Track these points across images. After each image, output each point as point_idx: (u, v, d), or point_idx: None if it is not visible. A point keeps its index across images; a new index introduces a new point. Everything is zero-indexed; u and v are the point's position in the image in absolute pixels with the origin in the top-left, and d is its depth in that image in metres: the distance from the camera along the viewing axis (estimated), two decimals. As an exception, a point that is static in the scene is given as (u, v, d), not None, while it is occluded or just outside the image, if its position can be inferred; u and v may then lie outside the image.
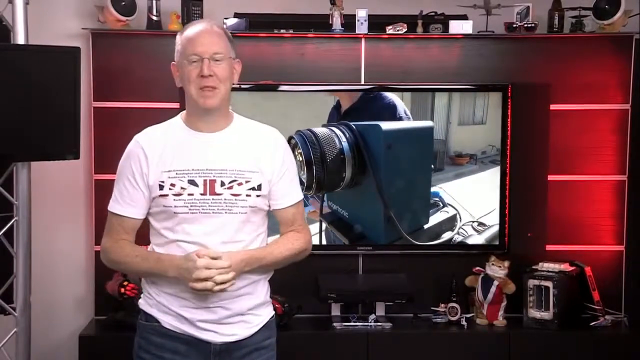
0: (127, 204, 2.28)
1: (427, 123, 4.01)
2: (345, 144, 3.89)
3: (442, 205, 4.06)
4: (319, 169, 3.87)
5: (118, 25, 3.87)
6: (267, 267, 2.32)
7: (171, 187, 2.22)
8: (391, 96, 3.98)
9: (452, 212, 4.06)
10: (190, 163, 2.24)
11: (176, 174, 2.23)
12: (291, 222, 2.37)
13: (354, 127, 3.91)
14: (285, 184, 2.34)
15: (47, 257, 3.98)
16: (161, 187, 2.23)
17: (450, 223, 4.07)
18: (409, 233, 4.04)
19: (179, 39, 2.29)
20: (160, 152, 2.26)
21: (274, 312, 2.41)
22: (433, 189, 4.05)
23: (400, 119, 3.99)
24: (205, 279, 2.14)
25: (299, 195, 2.39)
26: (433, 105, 4.04)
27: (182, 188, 2.22)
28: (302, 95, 3.98)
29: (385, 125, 3.95)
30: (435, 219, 4.07)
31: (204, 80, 2.22)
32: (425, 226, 4.07)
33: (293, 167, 2.39)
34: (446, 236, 4.07)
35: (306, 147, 3.84)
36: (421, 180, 4.05)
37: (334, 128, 3.92)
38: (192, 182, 2.22)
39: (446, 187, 4.07)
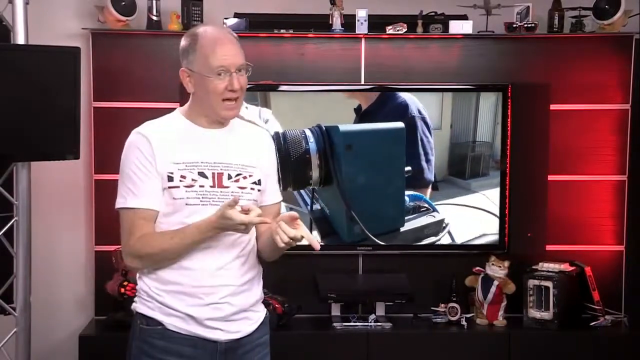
0: (143, 195, 2.20)
1: (397, 124, 3.98)
2: (312, 145, 3.92)
3: (430, 209, 4.05)
4: (283, 167, 3.89)
5: (118, 25, 3.87)
6: (272, 248, 2.26)
7: (182, 179, 2.21)
8: (405, 96, 3.98)
9: (439, 217, 4.05)
10: (199, 156, 2.24)
11: (185, 166, 2.22)
12: (274, 218, 2.35)
13: (324, 128, 3.93)
14: (273, 182, 2.40)
15: (47, 257, 3.98)
16: (170, 179, 2.21)
17: (435, 227, 4.06)
18: (381, 234, 4.02)
19: (193, 46, 2.22)
20: (164, 142, 2.24)
21: (266, 310, 2.43)
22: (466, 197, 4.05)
23: (412, 118, 3.98)
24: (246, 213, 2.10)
25: (280, 195, 2.45)
26: (478, 105, 4.03)
27: (193, 180, 2.22)
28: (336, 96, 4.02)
29: (345, 126, 3.96)
30: (418, 222, 4.06)
31: (231, 94, 2.22)
32: (402, 229, 4.05)
33: (276, 167, 2.45)
34: (429, 241, 4.06)
35: None
36: (391, 182, 4.03)
37: (306, 130, 3.94)
38: (202, 174, 2.23)
39: (489, 194, 4.05)
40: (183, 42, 2.28)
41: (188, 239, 2.19)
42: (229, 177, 2.25)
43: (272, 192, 2.39)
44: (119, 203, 2.25)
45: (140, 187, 2.21)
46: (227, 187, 2.24)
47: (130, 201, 2.22)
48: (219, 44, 2.21)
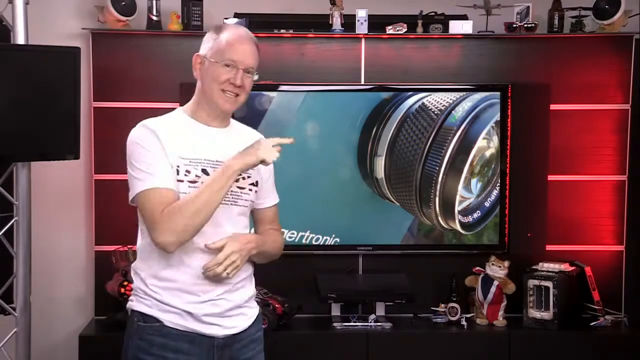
0: (161, 175, 2.18)
1: None
2: None
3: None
4: None
5: (118, 25, 3.87)
6: (263, 255, 2.38)
7: (187, 174, 2.23)
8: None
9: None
10: (202, 153, 2.26)
11: (190, 161, 2.24)
12: (270, 221, 2.46)
13: None
14: (270, 184, 2.45)
15: (47, 257, 3.98)
16: (177, 172, 2.23)
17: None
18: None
19: (215, 36, 2.29)
20: (171, 136, 2.25)
21: (258, 307, 2.48)
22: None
23: None
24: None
25: (277, 197, 2.49)
26: None
27: (197, 176, 2.23)
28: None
29: None
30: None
31: (232, 87, 2.26)
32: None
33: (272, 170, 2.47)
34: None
35: None
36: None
37: None
38: (204, 172, 2.25)
39: None
40: (208, 31, 2.34)
41: (216, 186, 2.17)
42: None
43: (268, 195, 2.44)
44: (137, 187, 2.19)
45: (156, 168, 2.18)
46: None
47: (150, 182, 2.18)
48: (238, 40, 2.28)
